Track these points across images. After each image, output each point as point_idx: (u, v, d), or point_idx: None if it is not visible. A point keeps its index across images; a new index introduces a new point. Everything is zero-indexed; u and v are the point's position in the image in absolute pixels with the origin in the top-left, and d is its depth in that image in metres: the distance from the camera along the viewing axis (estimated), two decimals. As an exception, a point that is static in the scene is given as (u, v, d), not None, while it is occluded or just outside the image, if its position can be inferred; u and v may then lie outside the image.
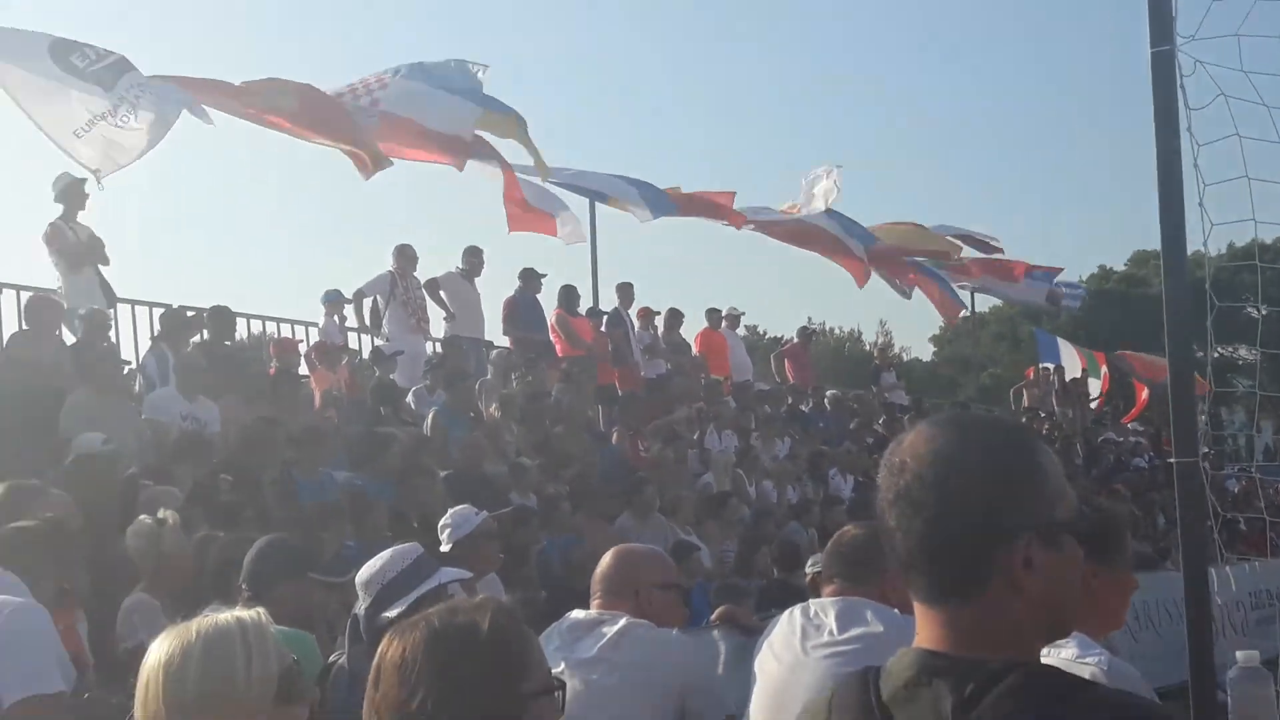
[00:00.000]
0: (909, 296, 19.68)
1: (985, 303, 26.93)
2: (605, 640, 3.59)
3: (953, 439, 1.64)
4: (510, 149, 13.40)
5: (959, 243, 20.54)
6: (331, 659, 4.01)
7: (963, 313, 22.55)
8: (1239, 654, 3.01)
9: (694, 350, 16.29)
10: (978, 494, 1.60)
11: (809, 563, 7.67)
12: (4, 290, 10.22)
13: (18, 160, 58.00)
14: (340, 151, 11.52)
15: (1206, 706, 3.55)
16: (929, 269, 19.79)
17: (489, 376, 12.38)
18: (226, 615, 2.21)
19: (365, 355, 12.82)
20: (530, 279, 14.05)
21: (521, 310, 13.90)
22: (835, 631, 3.34)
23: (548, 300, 14.30)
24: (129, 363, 10.39)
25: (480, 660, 1.92)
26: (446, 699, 1.88)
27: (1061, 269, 23.43)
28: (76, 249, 10.16)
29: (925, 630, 1.65)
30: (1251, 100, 4.04)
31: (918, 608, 1.67)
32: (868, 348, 47.04)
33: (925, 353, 51.44)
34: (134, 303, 11.52)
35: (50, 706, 3.38)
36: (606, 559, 3.87)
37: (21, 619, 3.44)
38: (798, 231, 17.68)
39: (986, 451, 1.63)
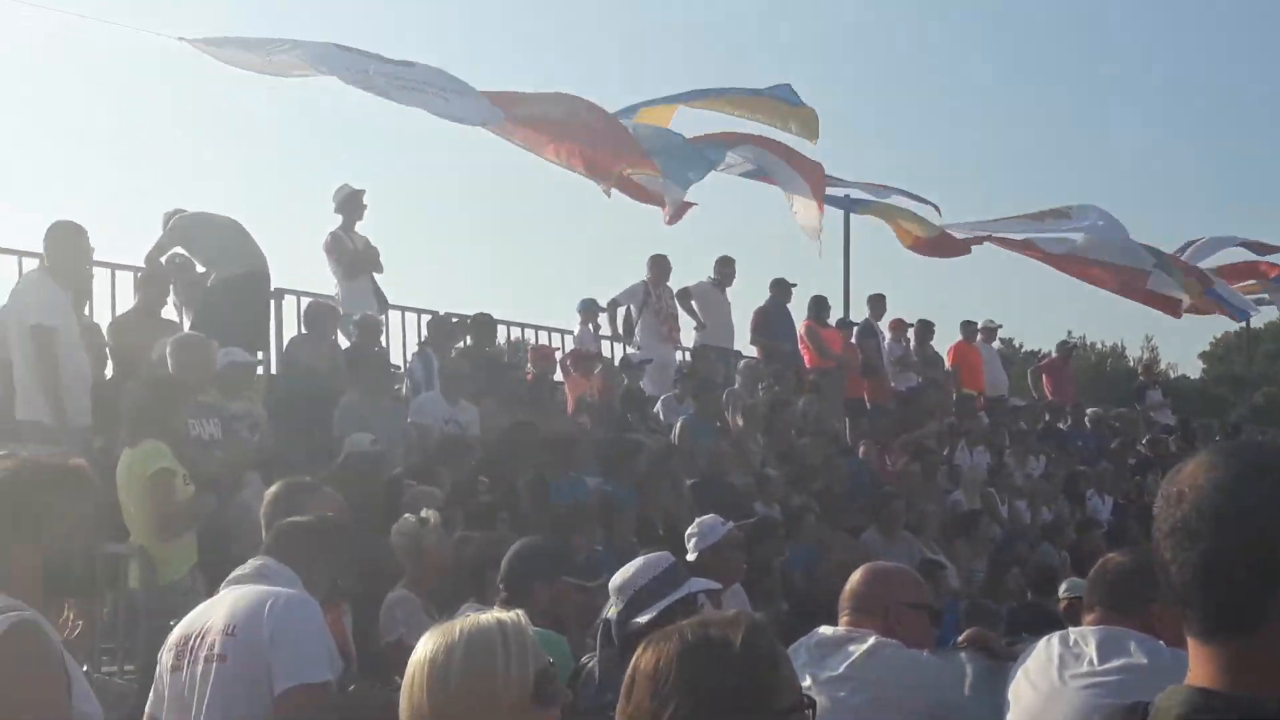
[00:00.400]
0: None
1: (1259, 318, 25.19)
2: (853, 658, 3.56)
3: (1234, 469, 1.56)
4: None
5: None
6: (583, 660, 4.09)
7: (1249, 316, 20.98)
8: None
9: (947, 363, 15.91)
10: (1258, 527, 1.51)
11: (1063, 587, 7.40)
12: (286, 296, 10.64)
13: (300, 175, 61.88)
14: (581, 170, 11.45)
15: None
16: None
17: (736, 386, 12.43)
18: (488, 616, 2.28)
19: (616, 363, 13.05)
20: (781, 289, 14.03)
21: (771, 320, 13.89)
22: (1095, 661, 3.21)
23: (798, 311, 14.27)
24: (398, 367, 10.81)
25: (732, 675, 1.93)
26: (698, 712, 1.90)
27: None
28: (354, 257, 10.62)
29: (1198, 667, 1.58)
30: None
31: (1191, 644, 1.60)
32: (1132, 364, 44.92)
33: (1194, 370, 48.67)
34: (404, 309, 11.88)
35: (317, 695, 3.53)
36: (857, 576, 3.83)
37: (295, 611, 3.60)
38: (1066, 259, 16.79)
39: (1269, 483, 1.55)
